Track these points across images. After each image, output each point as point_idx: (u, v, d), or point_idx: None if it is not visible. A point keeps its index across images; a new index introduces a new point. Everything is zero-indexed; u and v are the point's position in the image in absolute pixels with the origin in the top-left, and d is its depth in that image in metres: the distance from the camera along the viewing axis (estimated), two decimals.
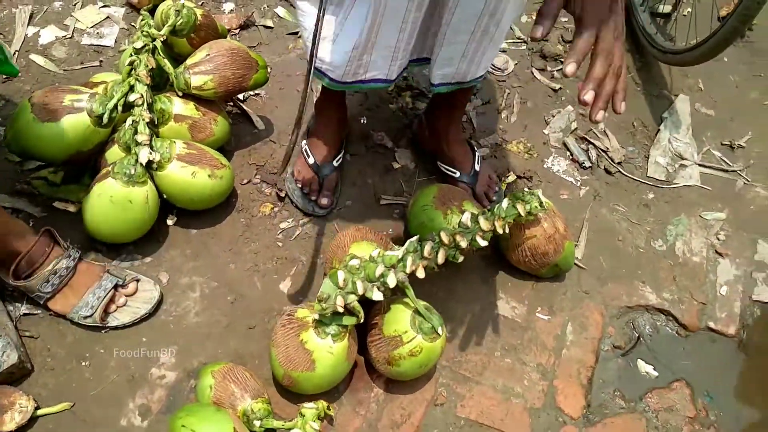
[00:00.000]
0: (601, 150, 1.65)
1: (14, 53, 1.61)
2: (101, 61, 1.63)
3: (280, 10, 1.82)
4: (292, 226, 1.43)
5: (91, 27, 1.69)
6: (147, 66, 1.26)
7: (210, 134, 1.37)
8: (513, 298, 1.39)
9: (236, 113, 1.58)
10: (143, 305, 1.25)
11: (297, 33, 1.78)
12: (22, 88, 1.55)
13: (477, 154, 1.52)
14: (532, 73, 1.81)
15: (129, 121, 1.24)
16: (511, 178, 1.56)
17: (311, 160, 1.45)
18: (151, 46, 1.28)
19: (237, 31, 1.75)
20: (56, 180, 1.39)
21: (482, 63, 1.21)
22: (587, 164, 1.62)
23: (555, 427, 1.24)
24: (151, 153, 1.22)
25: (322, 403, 1.13)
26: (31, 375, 1.18)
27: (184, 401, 1.19)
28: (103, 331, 1.24)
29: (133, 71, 1.26)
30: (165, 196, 1.30)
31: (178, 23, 1.32)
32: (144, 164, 1.22)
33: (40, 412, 1.14)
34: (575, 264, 1.45)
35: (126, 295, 1.25)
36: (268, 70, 1.49)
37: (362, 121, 1.62)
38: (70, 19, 1.70)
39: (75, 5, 1.74)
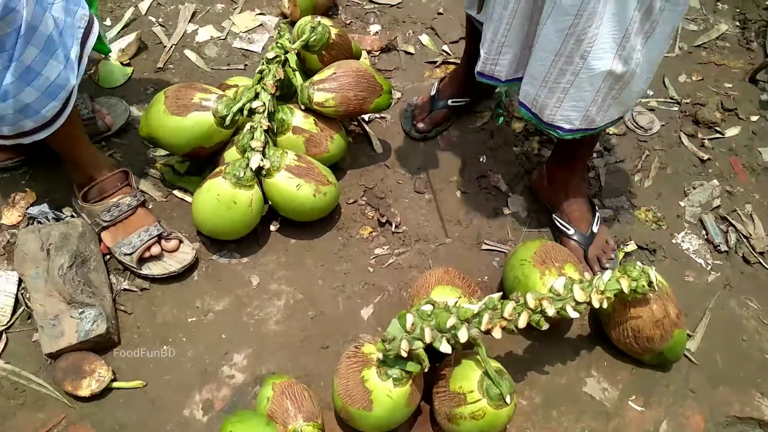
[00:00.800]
0: (743, 235, 1.48)
1: (171, 46, 1.74)
2: (246, 65, 1.72)
3: (424, 38, 1.83)
4: (386, 254, 1.42)
5: (244, 32, 1.79)
6: (275, 76, 1.31)
7: (324, 150, 1.39)
8: (606, 379, 1.27)
9: (358, 133, 1.60)
10: (175, 264, 1.32)
11: (436, 62, 1.77)
12: (172, 80, 1.68)
13: (597, 214, 1.42)
14: (680, 138, 1.67)
15: (248, 126, 1.29)
16: (631, 247, 1.44)
17: (433, 92, 1.59)
18: (282, 57, 1.33)
19: (378, 53, 1.78)
20: (181, 170, 1.48)
21: (567, 109, 1.13)
22: (723, 248, 1.45)
23: None
24: (262, 160, 1.26)
25: None
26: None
27: (245, 405, 1.21)
28: (134, 280, 1.32)
29: (261, 79, 1.31)
30: (270, 203, 1.34)
31: (312, 39, 1.36)
32: (253, 169, 1.26)
33: (115, 384, 1.21)
34: (685, 356, 1.30)
35: (165, 250, 1.32)
36: (398, 95, 1.49)
37: (481, 159, 1.58)
38: (227, 22, 1.82)
39: (235, 9, 1.86)
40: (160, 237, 1.33)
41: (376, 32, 1.84)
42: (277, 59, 1.32)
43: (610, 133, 1.65)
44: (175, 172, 1.48)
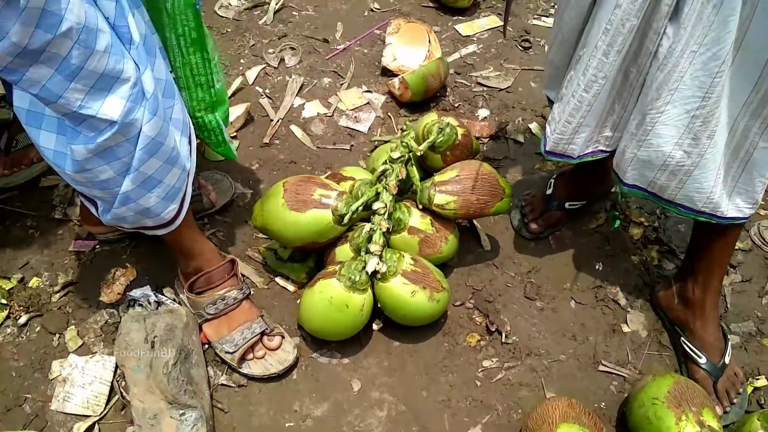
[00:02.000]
0: None
1: (278, 120, 1.73)
2: (352, 146, 1.69)
3: (534, 126, 1.77)
4: (495, 367, 1.34)
5: (351, 109, 1.77)
6: (398, 177, 1.27)
7: (437, 251, 1.34)
8: None
9: (465, 226, 1.54)
10: (276, 364, 1.27)
11: None
12: (277, 156, 1.66)
13: (729, 342, 1.32)
14: None
15: (367, 227, 1.24)
16: (762, 382, 1.33)
17: (549, 191, 1.54)
18: (406, 157, 1.28)
19: (486, 140, 1.73)
20: (284, 255, 1.44)
21: (690, 191, 1.12)
22: None
23: None
24: (379, 263, 1.21)
25: None
26: None
27: None
28: (232, 374, 1.29)
29: (383, 179, 1.27)
30: (379, 305, 1.29)
31: (438, 140, 1.31)
32: (369, 273, 1.21)
33: None
34: None
35: (267, 348, 1.28)
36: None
37: (597, 267, 1.50)
38: (333, 98, 1.80)
39: (341, 84, 1.84)
40: (262, 333, 1.29)
41: (485, 117, 1.79)
42: (401, 159, 1.28)
43: (736, 248, 1.55)
44: (278, 257, 1.45)
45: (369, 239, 1.24)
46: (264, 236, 1.48)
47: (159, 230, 1.16)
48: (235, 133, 1.69)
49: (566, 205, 1.53)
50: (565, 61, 1.20)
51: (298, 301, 1.41)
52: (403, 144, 1.29)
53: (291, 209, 1.25)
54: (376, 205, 1.25)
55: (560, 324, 1.41)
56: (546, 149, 1.24)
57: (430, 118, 1.35)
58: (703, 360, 1.29)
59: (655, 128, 1.07)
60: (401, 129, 1.72)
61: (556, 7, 1.21)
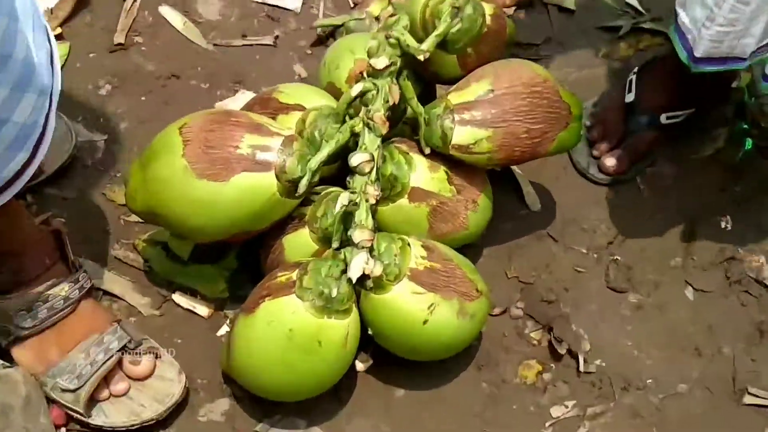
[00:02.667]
0: None
1: (134, 1, 1.65)
2: (277, 38, 1.65)
3: None
4: (572, 416, 1.35)
5: None
6: (386, 100, 1.23)
7: (461, 227, 1.33)
8: None
9: (496, 174, 1.52)
10: (152, 404, 1.26)
11: (619, 29, 1.70)
12: (144, 67, 1.60)
13: None
14: None
15: (342, 198, 1.20)
16: None
17: (630, 98, 1.56)
18: (398, 65, 1.25)
19: (511, 9, 1.71)
20: (182, 254, 1.41)
21: None
22: None
23: None
24: (369, 261, 1.18)
25: None
26: None
27: None
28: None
29: (362, 107, 1.23)
30: (369, 332, 1.27)
31: (455, 30, 1.27)
32: (354, 280, 1.18)
33: None
34: None
35: (132, 378, 1.28)
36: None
37: (723, 225, 1.53)
38: None
39: None
40: (123, 350, 1.27)
41: None
42: (391, 70, 1.24)
43: None
44: (172, 257, 1.40)
45: (346, 218, 1.21)
46: (143, 221, 1.42)
47: None
48: (59, 30, 1.61)
49: (662, 118, 1.54)
50: None
51: (218, 333, 1.38)
52: (392, 41, 1.25)
53: (201, 176, 1.19)
54: (356, 159, 1.21)
55: (672, 331, 1.44)
56: (696, 55, 1.24)
57: None
58: None
59: None
60: (355, 1, 1.68)
61: None
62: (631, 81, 1.57)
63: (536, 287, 1.46)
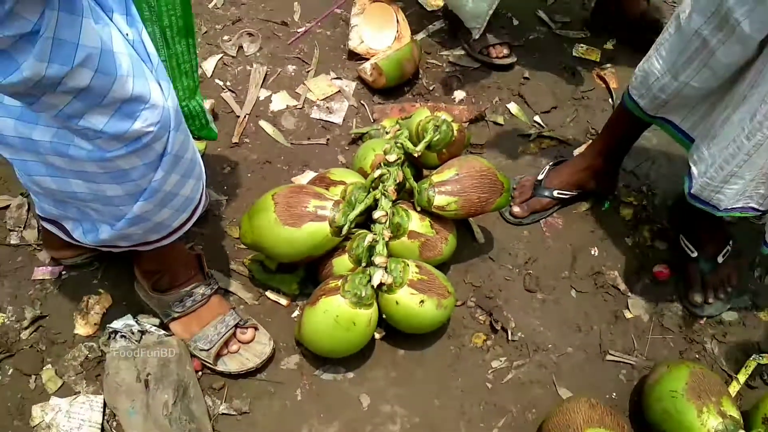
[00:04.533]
0: None
1: (245, 116, 1.62)
2: (328, 140, 1.60)
3: (513, 107, 1.72)
4: (504, 367, 1.31)
5: (322, 99, 1.67)
6: (395, 181, 1.20)
7: (438, 254, 1.29)
8: None
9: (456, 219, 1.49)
10: (253, 358, 1.23)
11: (530, 136, 1.67)
12: (249, 156, 1.56)
13: (730, 246, 1.39)
14: None
15: (368, 237, 1.18)
16: (765, 359, 1.35)
17: (540, 176, 1.50)
18: (402, 159, 1.22)
19: (466, 124, 1.67)
20: (271, 267, 1.36)
21: None
22: None
23: None
24: (384, 275, 1.15)
25: None
26: None
27: None
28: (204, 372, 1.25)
29: (380, 183, 1.20)
30: (384, 316, 1.23)
31: (435, 139, 1.25)
32: (375, 287, 1.15)
33: None
34: None
35: (241, 342, 1.24)
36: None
37: (593, 252, 1.48)
38: (301, 88, 1.70)
39: (308, 72, 1.73)
40: (236, 326, 1.24)
41: (461, 100, 1.73)
42: (398, 162, 1.21)
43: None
44: (265, 269, 1.36)
45: (371, 250, 1.18)
46: (249, 249, 1.38)
47: (160, 242, 1.06)
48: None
49: (555, 192, 1.49)
50: (709, 88, 1.13)
51: (292, 315, 1.34)
52: (398, 145, 1.22)
53: (285, 224, 1.17)
54: (376, 214, 1.18)
55: (563, 315, 1.39)
56: (690, 191, 1.18)
57: (423, 114, 1.27)
58: (695, 254, 1.38)
59: None
60: (375, 118, 1.65)
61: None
62: (545, 169, 1.53)
63: (482, 289, 1.41)
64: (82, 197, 0.94)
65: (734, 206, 1.15)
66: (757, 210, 1.16)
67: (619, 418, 1.14)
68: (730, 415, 1.11)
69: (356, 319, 1.15)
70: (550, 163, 1.55)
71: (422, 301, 1.19)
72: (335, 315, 1.15)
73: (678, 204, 1.26)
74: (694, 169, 1.16)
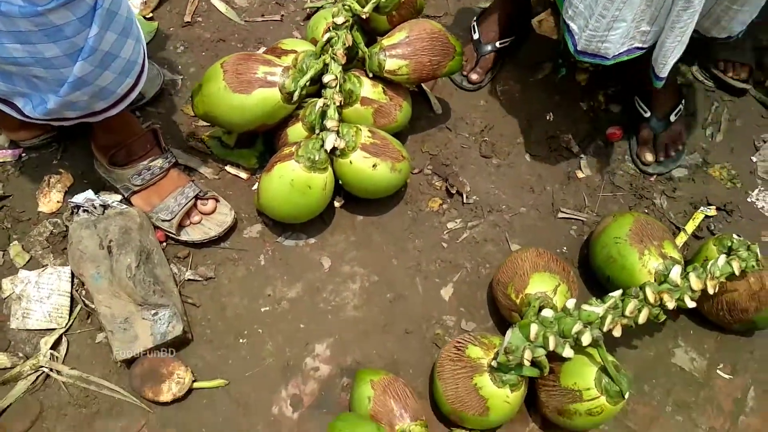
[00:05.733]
0: None
1: None
2: (282, 16, 1.59)
3: None
4: (459, 227, 1.37)
5: None
6: (344, 44, 1.20)
7: (393, 120, 1.31)
8: (693, 349, 1.28)
9: (413, 91, 1.51)
10: (215, 227, 1.27)
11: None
12: (202, 35, 1.54)
13: (682, 106, 1.44)
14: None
15: (319, 102, 1.19)
16: (713, 211, 1.42)
17: (475, 36, 1.53)
18: (351, 22, 1.21)
19: None
20: (230, 142, 1.39)
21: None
22: None
23: None
24: (337, 140, 1.18)
25: None
26: (190, 345, 1.21)
27: (336, 399, 1.18)
28: (169, 242, 1.29)
29: (329, 48, 1.21)
30: (340, 182, 1.27)
31: (383, 1, 1.24)
32: (328, 151, 1.18)
33: (195, 385, 1.17)
34: None
35: (202, 213, 1.28)
36: None
37: (548, 117, 1.51)
38: None
39: None
40: (196, 198, 1.28)
41: None
42: (346, 24, 1.21)
43: (679, 82, 1.59)
44: (224, 144, 1.39)
45: (323, 115, 1.20)
46: (205, 124, 1.40)
47: (110, 111, 1.07)
48: (151, 14, 1.55)
49: (497, 44, 1.52)
50: None
51: (253, 188, 1.37)
52: (346, 7, 1.22)
53: (234, 91, 1.18)
54: (326, 78, 1.19)
55: (518, 178, 1.44)
56: (577, 49, 1.19)
57: None
58: (647, 114, 1.43)
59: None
60: None
61: None
62: (473, 26, 1.57)
63: (439, 157, 1.45)
64: (23, 62, 0.94)
65: (620, 51, 1.18)
66: (642, 48, 1.19)
67: (565, 264, 1.21)
68: (671, 257, 1.17)
69: (311, 183, 1.19)
70: (474, 20, 1.58)
71: (375, 165, 1.22)
72: (290, 179, 1.18)
73: (632, 65, 1.28)
74: (573, 25, 1.18)
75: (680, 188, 1.45)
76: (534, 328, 1.00)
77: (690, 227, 1.40)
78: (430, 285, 1.31)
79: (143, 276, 1.16)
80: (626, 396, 1.03)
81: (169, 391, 1.14)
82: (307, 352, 1.23)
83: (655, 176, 1.46)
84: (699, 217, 1.41)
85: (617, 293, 1.03)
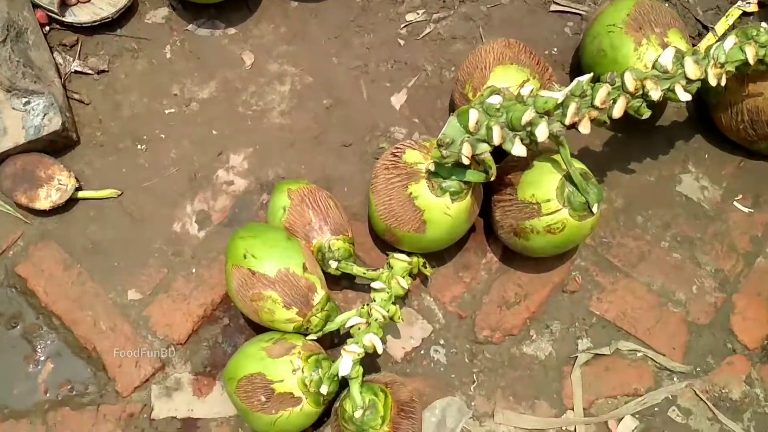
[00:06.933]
0: None
1: None
2: None
3: None
4: (421, 20, 1.12)
5: None
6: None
7: None
8: (706, 175, 1.04)
9: None
10: (107, 6, 1.07)
11: None
12: None
13: None
14: None
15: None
16: (754, 6, 1.12)
17: None
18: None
19: None
20: None
21: None
22: None
23: (720, 352, 0.95)
24: None
25: (417, 259, 0.90)
26: (76, 148, 1.03)
27: (252, 218, 1.00)
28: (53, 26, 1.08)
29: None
30: None
31: None
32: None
33: (81, 194, 1.00)
34: None
35: None
36: None
37: None
38: None
39: None
40: None
41: None
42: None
43: None
44: None
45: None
46: None
47: None
48: None
49: None
50: None
51: None
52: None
53: None
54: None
55: None
56: None
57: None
58: None
59: None
60: None
61: None
62: None
63: None
64: None
65: None
66: None
67: (540, 59, 0.95)
68: (676, 47, 0.91)
69: None
70: None
71: None
72: None
73: None
74: None
75: None
76: (474, 115, 0.76)
77: (721, 27, 1.12)
78: (377, 90, 1.08)
79: (9, 54, 0.95)
80: (595, 210, 0.81)
81: (47, 197, 0.97)
82: (219, 163, 1.03)
83: None
84: (735, 14, 1.13)
85: (586, 77, 0.78)
